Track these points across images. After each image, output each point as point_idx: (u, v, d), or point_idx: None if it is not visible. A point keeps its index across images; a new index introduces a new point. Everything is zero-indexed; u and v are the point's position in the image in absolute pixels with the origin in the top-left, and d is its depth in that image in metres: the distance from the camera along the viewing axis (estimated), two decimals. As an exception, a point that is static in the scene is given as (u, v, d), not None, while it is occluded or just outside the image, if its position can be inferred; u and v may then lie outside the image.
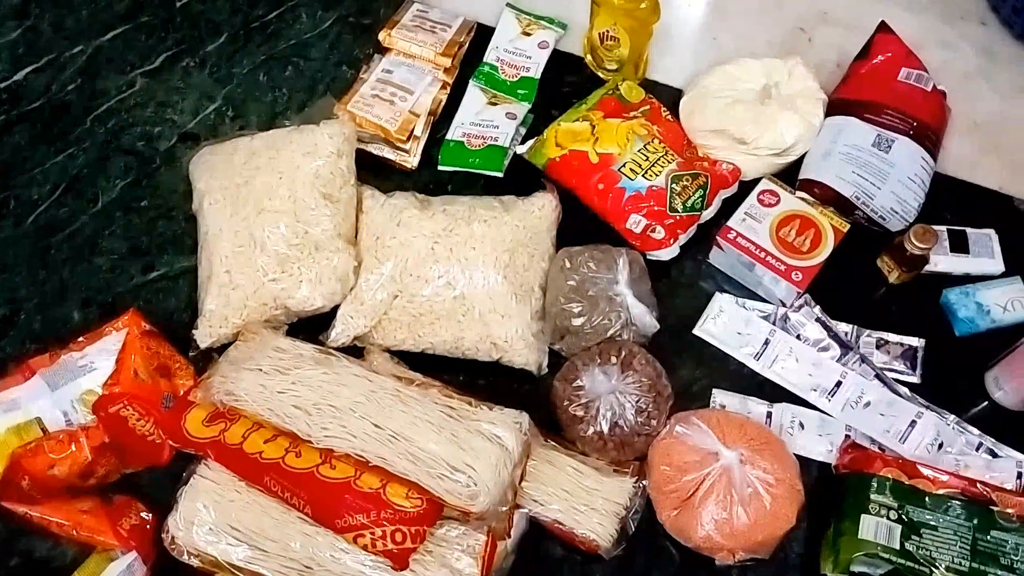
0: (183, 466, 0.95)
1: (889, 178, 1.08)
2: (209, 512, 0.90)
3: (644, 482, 0.96)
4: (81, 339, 1.00)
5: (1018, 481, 0.98)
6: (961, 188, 1.16)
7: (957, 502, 0.92)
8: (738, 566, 0.94)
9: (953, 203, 1.14)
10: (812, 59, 1.20)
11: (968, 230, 1.11)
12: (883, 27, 1.18)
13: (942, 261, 1.09)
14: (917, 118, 1.11)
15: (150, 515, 0.95)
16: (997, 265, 1.09)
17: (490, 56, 1.24)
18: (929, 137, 1.12)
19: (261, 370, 0.93)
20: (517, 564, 0.94)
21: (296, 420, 0.89)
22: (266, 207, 1.02)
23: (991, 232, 1.11)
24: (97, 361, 0.98)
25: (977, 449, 1.00)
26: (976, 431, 1.01)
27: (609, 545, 0.92)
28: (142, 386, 0.95)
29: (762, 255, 1.05)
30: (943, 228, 1.10)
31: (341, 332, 1.02)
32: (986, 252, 1.10)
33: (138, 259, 1.13)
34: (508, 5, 1.28)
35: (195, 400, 0.94)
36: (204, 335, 1.02)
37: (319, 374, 0.92)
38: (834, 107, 1.15)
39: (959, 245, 1.10)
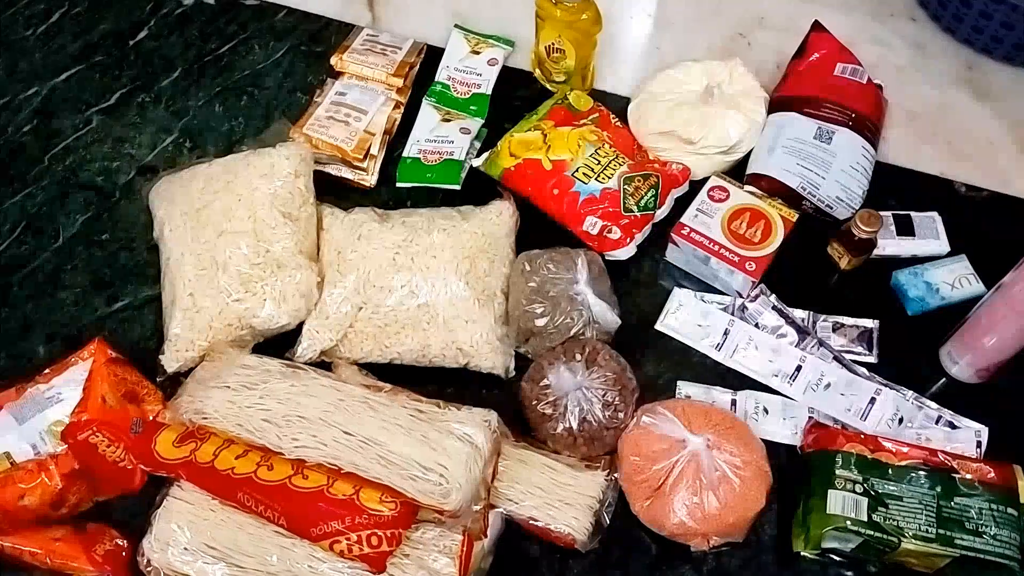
0: (155, 492, 0.95)
1: (832, 168, 1.12)
2: (184, 532, 0.90)
3: (616, 475, 0.97)
4: (47, 371, 1.00)
5: (978, 450, 1.00)
6: (903, 175, 1.20)
7: (920, 472, 0.94)
8: (713, 552, 0.96)
9: (897, 189, 1.18)
10: (752, 62, 1.24)
11: (913, 214, 1.15)
12: (817, 26, 1.23)
13: (890, 245, 1.12)
14: (855, 109, 1.15)
15: (124, 541, 0.95)
16: (942, 246, 1.13)
17: (441, 75, 1.27)
18: (868, 127, 1.16)
19: (229, 387, 0.94)
20: (496, 564, 0.95)
21: (266, 433, 0.90)
22: (226, 229, 1.03)
23: (935, 215, 1.15)
24: (64, 392, 0.98)
25: (936, 422, 1.02)
26: (935, 405, 1.03)
27: (585, 538, 0.93)
28: (111, 412, 0.95)
29: (716, 248, 1.08)
30: (889, 213, 1.14)
31: (308, 347, 1.03)
32: (931, 234, 1.14)
33: (102, 291, 1.13)
34: (456, 26, 1.32)
35: (164, 420, 0.94)
36: (171, 360, 1.02)
37: (287, 387, 0.93)
38: (775, 104, 1.19)
39: (905, 228, 1.14)
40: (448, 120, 1.23)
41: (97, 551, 0.92)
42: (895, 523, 0.91)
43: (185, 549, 0.90)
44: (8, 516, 0.92)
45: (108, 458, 0.95)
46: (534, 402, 0.99)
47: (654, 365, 1.07)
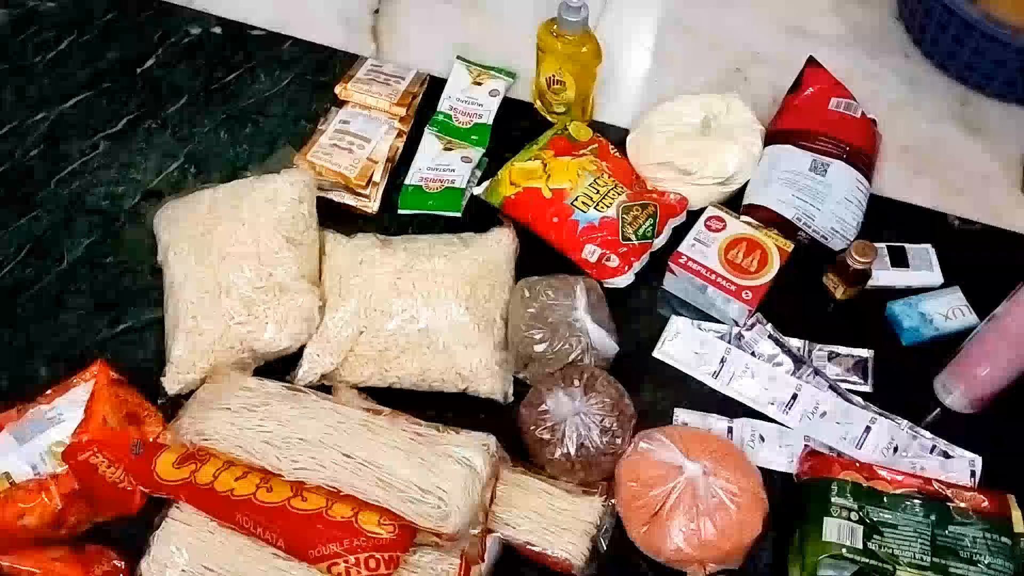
0: (154, 513, 0.95)
1: (827, 199, 1.14)
2: (182, 554, 0.91)
3: (613, 500, 0.98)
4: (49, 392, 1.01)
5: (972, 479, 1.01)
6: (897, 208, 1.22)
7: (915, 500, 0.95)
8: (709, 579, 0.96)
9: (891, 222, 1.20)
10: (749, 96, 1.27)
11: (907, 245, 1.16)
12: (812, 61, 1.26)
13: (884, 276, 1.14)
14: (849, 143, 1.17)
15: (122, 563, 0.95)
16: (936, 277, 1.15)
17: (443, 105, 1.29)
18: (862, 160, 1.18)
19: (230, 409, 0.94)
20: (492, 589, 0.95)
21: (266, 455, 0.90)
22: (230, 253, 1.04)
23: (928, 247, 1.17)
24: (65, 412, 0.99)
25: (931, 451, 1.03)
26: (929, 434, 1.04)
27: (582, 564, 0.93)
28: (111, 433, 0.96)
29: (713, 277, 1.10)
30: (883, 245, 1.16)
31: (308, 370, 1.04)
32: (925, 265, 1.15)
33: (105, 313, 1.14)
34: (458, 58, 1.34)
35: (165, 441, 0.95)
36: (172, 382, 1.03)
37: (287, 409, 0.93)
38: (771, 137, 1.21)
39: (899, 260, 1.15)
40: (450, 149, 1.25)
41: (95, 572, 0.92)
42: (890, 551, 0.91)
43: (183, 571, 0.90)
44: (7, 535, 0.92)
45: (108, 479, 0.95)
46: (532, 427, 1.00)
47: (651, 392, 1.08)
